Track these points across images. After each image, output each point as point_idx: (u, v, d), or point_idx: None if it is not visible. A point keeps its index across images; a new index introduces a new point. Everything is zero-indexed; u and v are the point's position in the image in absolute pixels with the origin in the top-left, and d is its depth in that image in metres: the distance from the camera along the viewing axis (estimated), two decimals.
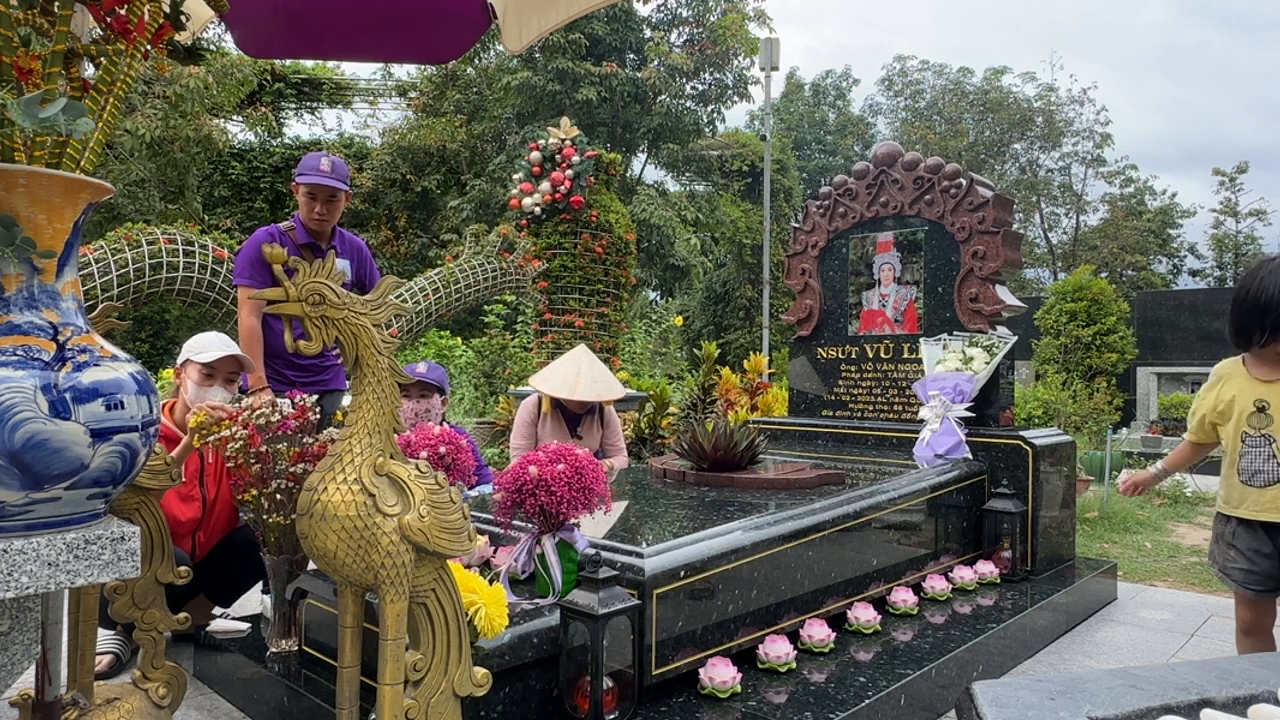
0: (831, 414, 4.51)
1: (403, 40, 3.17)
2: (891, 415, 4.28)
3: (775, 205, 20.22)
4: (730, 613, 2.36)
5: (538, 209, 8.78)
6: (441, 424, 3.03)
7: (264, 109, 15.77)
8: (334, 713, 1.71)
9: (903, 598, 2.98)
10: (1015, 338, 3.96)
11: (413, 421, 3.55)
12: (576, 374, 3.78)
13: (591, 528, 2.47)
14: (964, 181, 4.07)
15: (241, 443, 2.32)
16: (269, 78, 16.38)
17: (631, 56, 18.46)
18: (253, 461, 2.31)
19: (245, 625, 2.70)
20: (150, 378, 1.34)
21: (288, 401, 2.37)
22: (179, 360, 2.91)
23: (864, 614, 2.76)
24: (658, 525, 2.63)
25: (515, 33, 3.00)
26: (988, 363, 3.78)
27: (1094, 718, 1.02)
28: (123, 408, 1.24)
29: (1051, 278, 25.98)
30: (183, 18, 1.45)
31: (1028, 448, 3.62)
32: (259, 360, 3.37)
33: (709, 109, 18.89)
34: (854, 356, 4.46)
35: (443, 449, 2.49)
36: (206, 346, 2.85)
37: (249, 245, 3.44)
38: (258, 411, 2.30)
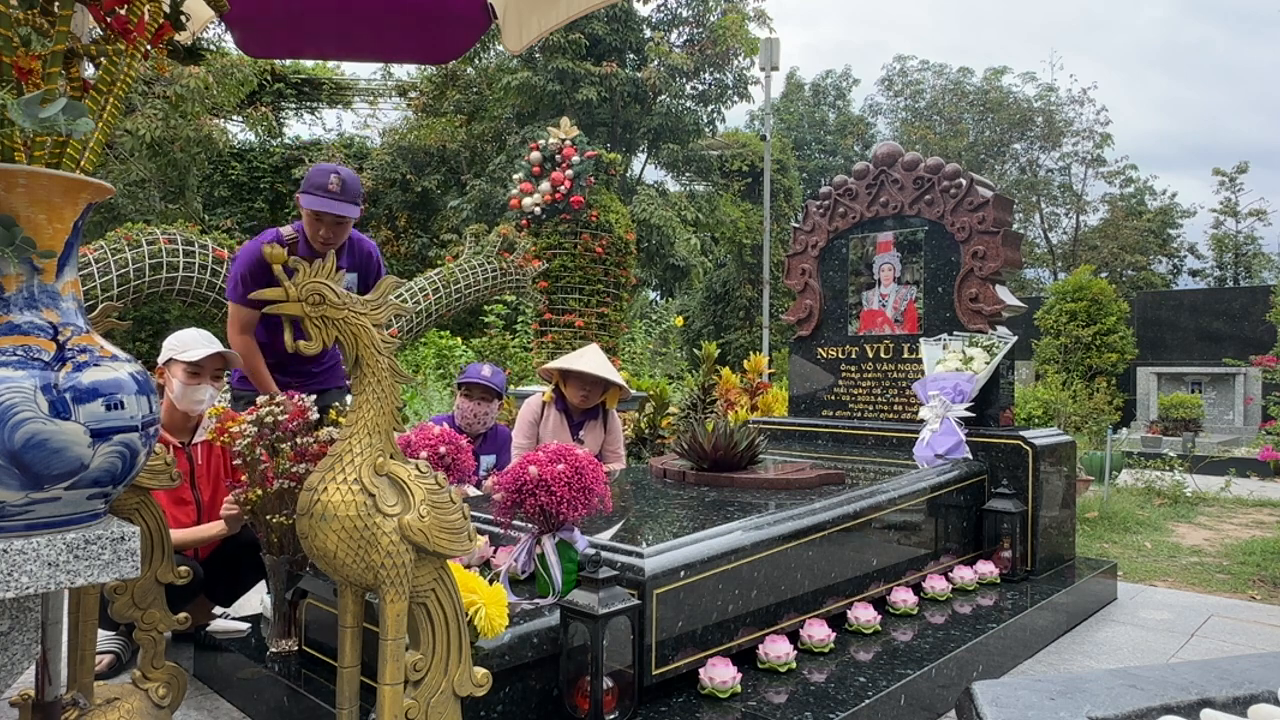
0: (831, 414, 4.51)
1: (403, 40, 3.17)
2: (891, 415, 4.27)
3: (775, 205, 20.22)
4: (730, 613, 2.36)
5: (538, 209, 8.78)
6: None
7: (264, 109, 15.74)
8: (334, 713, 1.71)
9: (903, 598, 2.98)
10: (1015, 338, 3.96)
11: (470, 422, 3.75)
12: (581, 355, 4.01)
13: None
14: (964, 181, 4.07)
15: (250, 439, 2.32)
16: (269, 78, 16.38)
17: (631, 56, 18.44)
18: (260, 461, 2.31)
19: (245, 625, 2.70)
20: (150, 378, 1.34)
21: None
22: (161, 359, 2.82)
23: (864, 614, 2.76)
24: (658, 525, 2.63)
25: (515, 33, 2.99)
26: (988, 363, 3.78)
27: (1094, 718, 1.02)
28: (123, 408, 1.24)
29: (1051, 278, 25.99)
30: (183, 18, 1.45)
31: (1028, 448, 3.62)
32: (264, 372, 3.26)
33: (709, 109, 18.89)
34: (854, 356, 4.46)
35: (443, 449, 2.50)
36: (190, 344, 2.78)
37: (241, 260, 3.15)
38: (272, 409, 2.30)
